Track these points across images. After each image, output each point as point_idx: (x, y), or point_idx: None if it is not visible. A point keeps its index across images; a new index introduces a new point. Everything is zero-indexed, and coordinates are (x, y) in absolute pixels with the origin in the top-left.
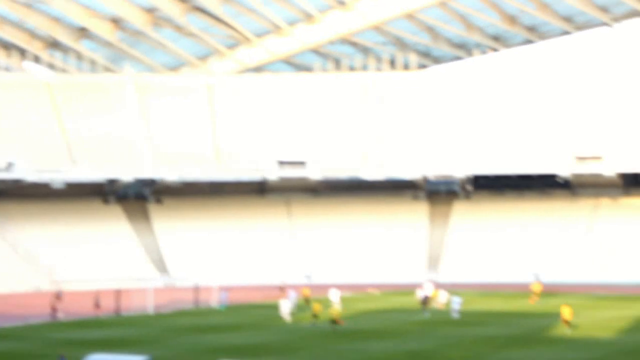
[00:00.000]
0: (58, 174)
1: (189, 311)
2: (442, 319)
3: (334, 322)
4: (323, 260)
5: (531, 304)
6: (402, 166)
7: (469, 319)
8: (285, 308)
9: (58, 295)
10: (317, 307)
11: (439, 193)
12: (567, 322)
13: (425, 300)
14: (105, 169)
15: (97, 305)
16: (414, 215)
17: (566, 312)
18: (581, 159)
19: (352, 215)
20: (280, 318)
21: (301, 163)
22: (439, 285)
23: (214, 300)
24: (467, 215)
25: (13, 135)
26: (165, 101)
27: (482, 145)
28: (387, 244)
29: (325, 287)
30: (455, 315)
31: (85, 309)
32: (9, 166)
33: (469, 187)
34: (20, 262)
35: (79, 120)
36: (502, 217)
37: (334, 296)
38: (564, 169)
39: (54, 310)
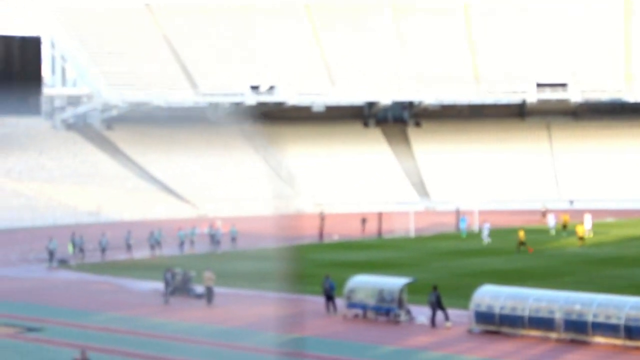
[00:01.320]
0: (319, 97)
1: (450, 234)
2: None
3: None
4: (584, 186)
5: None
6: None
7: None
8: (485, 232)
9: (322, 217)
10: (580, 230)
11: None
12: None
13: None
14: (364, 92)
15: (363, 227)
16: None
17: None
18: None
19: (614, 139)
20: (542, 242)
21: (562, 85)
22: None
23: (481, 228)
24: None
25: (275, 59)
26: (422, 22)
27: None
28: None
29: (585, 212)
30: None
31: (349, 231)
32: (272, 89)
33: None
34: (283, 184)
35: (338, 43)
36: None
37: (587, 222)
38: None
39: (321, 231)
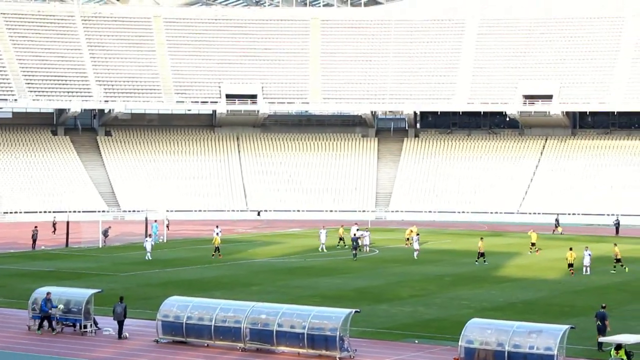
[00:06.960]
0: (6, 103)
1: (139, 244)
2: (392, 257)
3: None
4: (271, 196)
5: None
6: (350, 102)
7: (418, 257)
8: (148, 246)
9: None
10: (341, 231)
11: (387, 130)
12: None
13: (356, 243)
14: (53, 99)
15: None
16: (362, 152)
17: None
18: (529, 97)
19: (299, 151)
20: (230, 253)
21: (252, 97)
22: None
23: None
24: (416, 153)
25: None
26: (114, 32)
27: (430, 83)
28: (336, 180)
29: (273, 222)
30: (416, 254)
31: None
32: None
33: (418, 125)
34: None
35: (29, 49)
36: (451, 155)
37: (323, 235)
38: (511, 108)
39: (34, 240)
